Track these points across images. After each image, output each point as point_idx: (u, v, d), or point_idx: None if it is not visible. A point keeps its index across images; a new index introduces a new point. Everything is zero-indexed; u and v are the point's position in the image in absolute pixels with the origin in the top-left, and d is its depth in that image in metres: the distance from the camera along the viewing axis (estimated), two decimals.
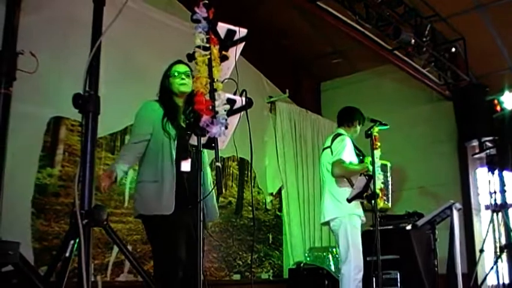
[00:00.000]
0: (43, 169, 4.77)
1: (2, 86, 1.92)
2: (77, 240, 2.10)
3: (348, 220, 4.99)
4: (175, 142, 3.40)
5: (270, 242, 7.50)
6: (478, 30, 6.95)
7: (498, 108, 6.96)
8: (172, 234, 3.32)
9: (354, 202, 4.95)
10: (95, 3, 2.40)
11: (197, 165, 2.47)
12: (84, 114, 2.28)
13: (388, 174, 5.40)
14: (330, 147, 5.21)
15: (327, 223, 5.16)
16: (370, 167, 4.93)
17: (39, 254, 4.55)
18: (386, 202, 5.20)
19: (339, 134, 5.27)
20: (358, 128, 5.32)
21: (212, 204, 3.53)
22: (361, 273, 4.88)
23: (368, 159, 5.03)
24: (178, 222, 3.34)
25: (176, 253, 3.26)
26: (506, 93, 7.01)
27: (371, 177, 4.78)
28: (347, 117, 5.38)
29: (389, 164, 5.54)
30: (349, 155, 5.08)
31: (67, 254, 2.11)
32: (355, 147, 5.26)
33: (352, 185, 5.03)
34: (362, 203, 5.04)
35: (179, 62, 3.66)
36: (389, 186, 5.40)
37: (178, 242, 3.32)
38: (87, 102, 2.27)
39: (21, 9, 2.02)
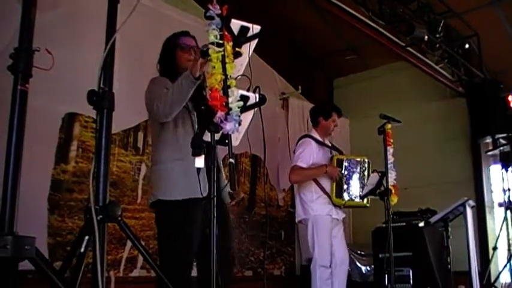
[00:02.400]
0: (57, 165, 4.81)
1: (18, 82, 1.93)
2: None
3: (314, 221, 5.07)
4: (195, 114, 3.19)
5: (282, 238, 7.51)
6: (492, 26, 6.91)
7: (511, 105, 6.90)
8: (193, 226, 3.04)
9: (321, 201, 5.03)
10: (109, 0, 2.42)
11: (210, 162, 2.47)
12: (99, 110, 2.30)
13: (358, 170, 5.20)
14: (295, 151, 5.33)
15: (300, 222, 5.31)
16: (332, 170, 4.96)
17: (53, 249, 4.60)
18: (360, 201, 5.17)
19: (302, 137, 5.38)
20: (329, 121, 5.30)
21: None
22: (328, 271, 4.93)
23: (336, 157, 5.06)
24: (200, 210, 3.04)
25: (192, 250, 3.04)
26: None
27: (383, 174, 4.77)
28: (311, 118, 5.47)
29: (362, 159, 5.27)
30: (308, 158, 5.13)
31: (82, 250, 2.12)
32: (326, 145, 5.26)
33: (320, 186, 5.06)
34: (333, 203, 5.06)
35: (187, 33, 3.41)
36: (359, 183, 5.17)
37: (194, 237, 3.04)
38: (102, 99, 2.28)
39: (37, 7, 2.03)
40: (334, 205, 5.07)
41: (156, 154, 3.23)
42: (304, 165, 5.11)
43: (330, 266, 4.97)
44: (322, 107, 5.47)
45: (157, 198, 3.13)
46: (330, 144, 5.35)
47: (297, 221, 5.36)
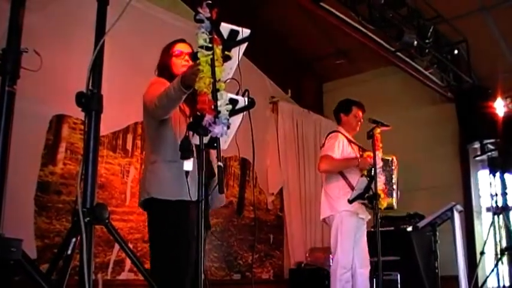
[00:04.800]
0: (45, 167, 4.79)
1: (6, 84, 1.93)
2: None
3: (340, 218, 4.99)
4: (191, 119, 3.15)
5: (271, 242, 7.51)
6: (481, 32, 6.96)
7: (499, 111, 6.95)
8: (188, 227, 3.00)
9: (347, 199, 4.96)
10: (99, 2, 2.41)
11: (198, 164, 2.47)
12: (87, 112, 2.29)
13: (392, 168, 5.22)
14: (324, 144, 5.25)
15: (324, 221, 5.20)
16: (364, 161, 4.94)
17: (41, 251, 4.57)
18: (391, 198, 5.06)
19: (332, 132, 5.32)
20: (350, 116, 5.29)
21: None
22: (348, 273, 4.87)
23: (367, 154, 5.03)
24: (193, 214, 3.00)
25: (189, 250, 2.95)
26: (498, 99, 7.04)
27: (373, 178, 4.78)
28: (342, 109, 5.40)
29: (392, 158, 5.27)
30: (339, 151, 5.09)
31: (69, 252, 2.11)
32: (354, 144, 5.24)
33: (347, 182, 5.04)
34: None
35: (183, 40, 3.48)
36: (393, 182, 5.17)
37: (190, 237, 2.96)
38: (90, 101, 2.27)
39: (25, 7, 2.02)
40: (363, 204, 4.99)
41: (154, 151, 3.23)
42: (333, 155, 5.05)
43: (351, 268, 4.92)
44: (341, 103, 5.43)
45: (151, 196, 3.11)
46: (359, 144, 5.28)
47: (321, 218, 5.23)
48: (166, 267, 3.00)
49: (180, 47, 3.42)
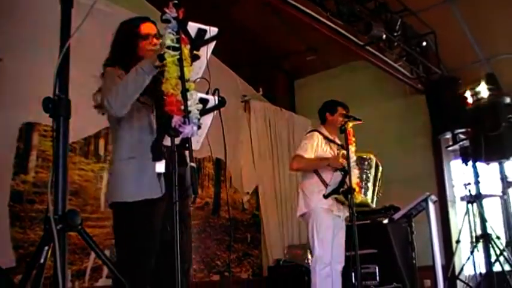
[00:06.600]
0: (16, 176, 4.71)
1: None
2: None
3: (314, 214, 5.01)
4: (155, 112, 2.94)
5: (249, 241, 7.51)
6: (448, 23, 7.03)
7: (468, 101, 7.01)
8: (153, 229, 2.85)
9: (322, 195, 4.98)
10: (63, 4, 2.37)
11: (171, 166, 2.45)
12: (55, 118, 2.24)
13: (372, 168, 5.24)
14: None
15: (302, 217, 5.22)
16: (335, 161, 4.96)
17: (16, 262, 4.49)
18: (363, 196, 5.10)
19: (310, 131, 5.36)
20: (335, 115, 5.27)
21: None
22: (328, 268, 4.90)
23: (342, 152, 5.05)
24: (159, 212, 2.87)
25: (150, 259, 2.85)
26: (482, 83, 7.08)
27: (347, 173, 4.79)
28: (319, 117, 5.43)
29: (369, 157, 5.24)
30: (313, 150, 5.09)
31: (41, 261, 2.07)
32: (334, 143, 5.26)
33: (321, 179, 5.06)
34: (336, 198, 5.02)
35: (147, 19, 3.20)
36: (370, 181, 5.16)
37: (154, 242, 2.85)
38: (58, 106, 2.23)
39: None
40: (337, 201, 5.02)
41: (113, 153, 3.04)
42: (305, 155, 5.05)
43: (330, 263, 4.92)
44: (327, 103, 5.43)
45: (112, 200, 2.92)
46: (339, 142, 5.28)
47: (298, 215, 5.26)
48: (128, 270, 2.65)
49: (149, 28, 3.14)
